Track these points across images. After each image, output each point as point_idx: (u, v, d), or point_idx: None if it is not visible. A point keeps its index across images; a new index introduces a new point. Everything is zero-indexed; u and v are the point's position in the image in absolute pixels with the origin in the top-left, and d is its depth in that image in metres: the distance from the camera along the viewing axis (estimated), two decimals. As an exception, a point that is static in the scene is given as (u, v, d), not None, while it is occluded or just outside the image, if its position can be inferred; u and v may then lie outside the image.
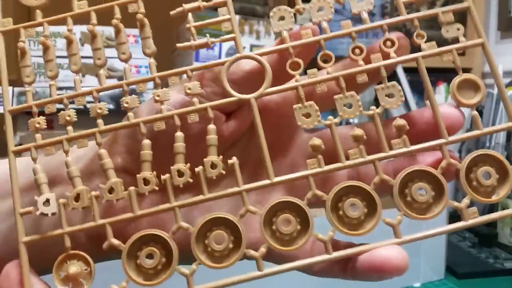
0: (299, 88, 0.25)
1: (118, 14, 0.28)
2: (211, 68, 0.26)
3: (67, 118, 0.26)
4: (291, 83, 0.25)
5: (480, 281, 0.67)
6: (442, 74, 0.94)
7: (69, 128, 0.25)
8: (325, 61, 0.26)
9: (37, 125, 0.26)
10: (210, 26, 0.28)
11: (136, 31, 0.92)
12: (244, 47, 0.28)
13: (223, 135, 0.26)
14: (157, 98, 0.25)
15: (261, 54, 0.26)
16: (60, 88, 0.73)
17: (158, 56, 0.28)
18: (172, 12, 0.27)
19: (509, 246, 0.71)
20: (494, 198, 0.24)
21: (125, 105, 0.26)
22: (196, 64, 0.27)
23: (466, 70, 0.28)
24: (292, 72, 0.25)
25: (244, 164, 0.26)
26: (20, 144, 0.25)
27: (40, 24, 0.27)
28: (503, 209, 0.72)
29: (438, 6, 1.06)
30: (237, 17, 0.90)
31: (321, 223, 0.25)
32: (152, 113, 0.25)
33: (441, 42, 0.26)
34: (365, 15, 0.28)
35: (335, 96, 0.25)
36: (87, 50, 0.86)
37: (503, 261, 0.68)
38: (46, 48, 0.28)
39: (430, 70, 0.29)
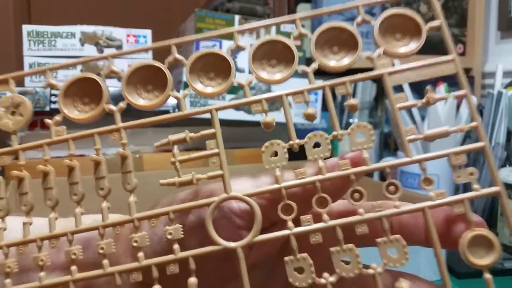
0: (292, 238, 0.23)
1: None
2: (194, 212, 0.24)
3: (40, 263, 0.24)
4: (282, 232, 0.23)
5: (480, 281, 0.67)
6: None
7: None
8: (321, 204, 0.23)
9: (7, 270, 0.24)
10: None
11: (136, 31, 0.92)
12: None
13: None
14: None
15: (250, 195, 0.23)
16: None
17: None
18: (156, 144, 0.25)
19: (509, 246, 0.71)
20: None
21: (100, 251, 0.23)
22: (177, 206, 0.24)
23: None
24: (284, 217, 0.23)
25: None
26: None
27: (14, 151, 0.26)
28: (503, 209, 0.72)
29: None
30: (237, 17, 0.90)
31: None
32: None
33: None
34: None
35: (332, 249, 0.22)
36: (87, 50, 0.86)
37: (503, 261, 0.68)
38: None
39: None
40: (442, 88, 0.88)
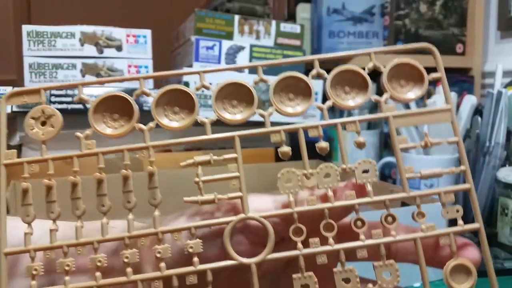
0: (300, 258, 0.26)
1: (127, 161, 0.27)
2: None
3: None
4: (292, 252, 0.26)
5: (480, 281, 0.67)
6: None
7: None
8: (328, 229, 0.26)
9: (34, 272, 0.25)
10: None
11: (136, 31, 0.91)
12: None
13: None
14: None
15: (265, 217, 0.26)
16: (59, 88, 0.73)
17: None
18: (182, 164, 0.27)
19: (509, 246, 0.71)
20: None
21: (125, 260, 0.25)
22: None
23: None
24: (295, 238, 0.26)
25: None
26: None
27: (44, 160, 0.26)
28: (503, 209, 0.72)
29: (438, 6, 1.06)
30: (237, 17, 0.90)
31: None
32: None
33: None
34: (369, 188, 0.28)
35: (335, 270, 0.26)
36: (87, 50, 0.86)
37: (503, 261, 0.68)
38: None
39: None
40: (441, 88, 0.88)
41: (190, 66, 0.87)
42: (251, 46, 0.89)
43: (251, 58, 0.90)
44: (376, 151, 1.00)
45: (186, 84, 0.82)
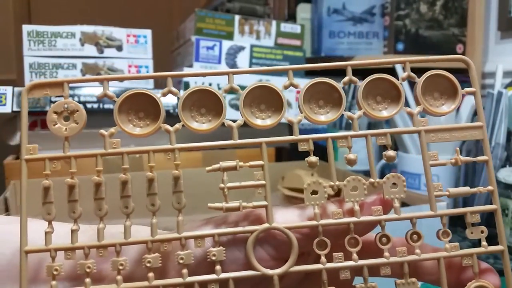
0: (323, 272, 0.25)
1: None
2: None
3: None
4: (315, 266, 0.26)
5: None
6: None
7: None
8: (352, 244, 0.26)
9: (55, 272, 0.25)
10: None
11: (136, 31, 0.92)
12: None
13: None
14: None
15: (290, 228, 0.26)
16: (60, 88, 0.73)
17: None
18: (207, 169, 0.26)
19: (509, 246, 0.71)
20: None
21: (148, 264, 0.25)
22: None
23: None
24: (319, 252, 0.26)
25: None
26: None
27: (67, 157, 0.26)
28: (503, 209, 0.72)
29: (438, 6, 1.06)
30: (237, 17, 0.90)
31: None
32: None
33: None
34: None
35: (357, 286, 0.26)
36: (87, 50, 0.86)
37: (503, 261, 0.68)
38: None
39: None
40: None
41: (191, 66, 0.87)
42: (252, 46, 0.89)
43: (251, 58, 0.90)
44: (376, 151, 1.00)
45: (186, 84, 0.82)
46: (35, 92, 0.26)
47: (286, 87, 0.27)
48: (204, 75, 0.28)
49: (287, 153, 0.93)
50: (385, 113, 0.28)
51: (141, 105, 0.26)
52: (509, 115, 0.79)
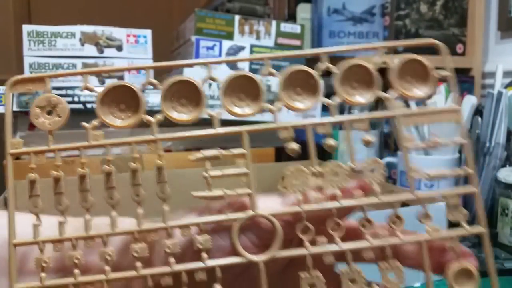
0: (308, 257, 0.25)
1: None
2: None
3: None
4: (300, 250, 0.26)
5: (480, 281, 0.67)
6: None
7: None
8: (335, 228, 0.26)
9: (44, 265, 0.25)
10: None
11: (136, 31, 0.91)
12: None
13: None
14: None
15: (274, 215, 0.26)
16: (59, 88, 0.73)
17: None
18: (192, 158, 0.27)
19: (509, 246, 0.71)
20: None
21: (135, 254, 0.25)
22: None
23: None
24: (303, 237, 0.26)
25: None
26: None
27: (51, 150, 0.26)
28: (503, 209, 0.72)
29: (438, 6, 1.06)
30: (237, 17, 0.90)
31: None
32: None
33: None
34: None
35: (342, 270, 0.26)
36: (87, 50, 0.86)
37: (503, 261, 0.68)
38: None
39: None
40: (442, 88, 0.88)
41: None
42: (251, 46, 0.89)
43: (251, 58, 0.90)
44: (376, 151, 1.00)
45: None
46: (18, 87, 0.26)
47: (264, 75, 0.27)
48: (185, 65, 0.28)
49: (287, 153, 0.93)
50: (361, 99, 0.28)
51: (122, 98, 0.26)
52: (509, 115, 0.79)
